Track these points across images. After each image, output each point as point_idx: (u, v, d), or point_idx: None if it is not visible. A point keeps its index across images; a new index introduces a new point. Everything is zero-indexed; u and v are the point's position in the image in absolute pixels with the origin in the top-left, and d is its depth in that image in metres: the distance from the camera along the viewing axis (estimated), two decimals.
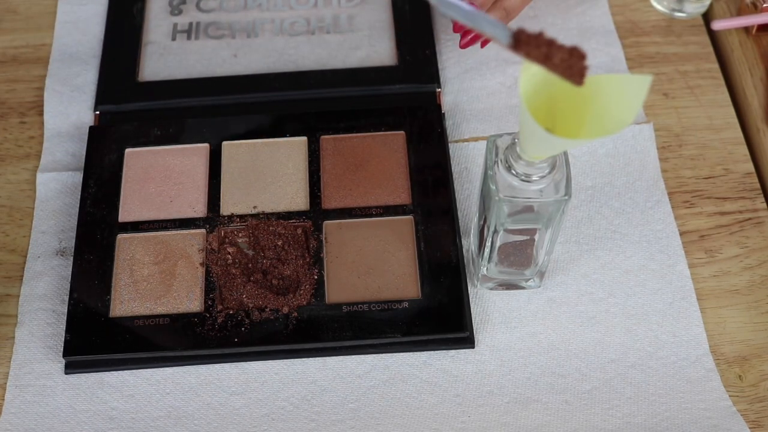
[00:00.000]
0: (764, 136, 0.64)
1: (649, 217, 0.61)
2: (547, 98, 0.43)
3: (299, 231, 0.59)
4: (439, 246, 0.58)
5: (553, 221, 0.51)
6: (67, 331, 0.55)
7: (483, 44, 0.63)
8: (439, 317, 0.55)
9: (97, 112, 0.65)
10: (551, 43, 0.40)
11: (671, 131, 0.65)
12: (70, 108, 0.66)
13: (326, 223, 0.59)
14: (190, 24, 0.70)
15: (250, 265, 0.58)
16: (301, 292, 0.56)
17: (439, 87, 0.65)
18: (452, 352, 0.56)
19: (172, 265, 0.58)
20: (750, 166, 0.64)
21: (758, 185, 0.63)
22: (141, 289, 0.57)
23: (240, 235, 0.59)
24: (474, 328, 0.57)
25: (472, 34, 0.62)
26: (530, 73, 0.42)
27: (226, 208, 0.60)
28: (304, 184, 0.61)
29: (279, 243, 0.58)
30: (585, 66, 0.40)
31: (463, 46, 0.63)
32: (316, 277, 0.57)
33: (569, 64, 0.40)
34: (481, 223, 0.55)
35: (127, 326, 0.56)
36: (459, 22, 0.46)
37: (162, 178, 0.61)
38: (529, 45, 0.41)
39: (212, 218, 0.59)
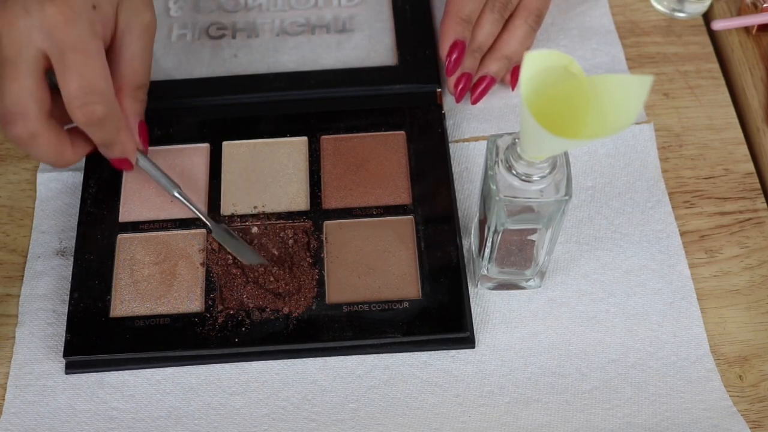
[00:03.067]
0: (764, 136, 0.64)
1: (649, 217, 0.61)
2: (548, 98, 0.43)
3: (300, 231, 0.59)
4: (439, 246, 0.58)
5: (554, 221, 0.51)
6: (67, 331, 0.55)
7: (474, 101, 0.64)
8: (439, 317, 0.55)
9: None
10: None
11: (671, 131, 0.65)
12: None
13: (327, 223, 0.59)
14: (191, 24, 0.70)
15: (250, 265, 0.58)
16: (302, 292, 0.56)
17: (440, 87, 0.65)
18: (452, 352, 0.56)
19: (173, 265, 0.58)
20: (750, 166, 0.64)
21: (758, 185, 0.63)
22: (141, 289, 0.57)
23: (240, 235, 0.59)
24: (474, 328, 0.57)
25: (462, 85, 0.63)
26: (531, 72, 0.42)
27: (227, 208, 0.60)
28: (305, 184, 0.61)
29: (279, 243, 0.58)
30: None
31: (458, 100, 0.65)
32: (316, 277, 0.57)
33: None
34: (482, 223, 0.55)
35: (127, 326, 0.56)
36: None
37: None
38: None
39: (213, 218, 0.59)
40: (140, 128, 0.58)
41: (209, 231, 0.58)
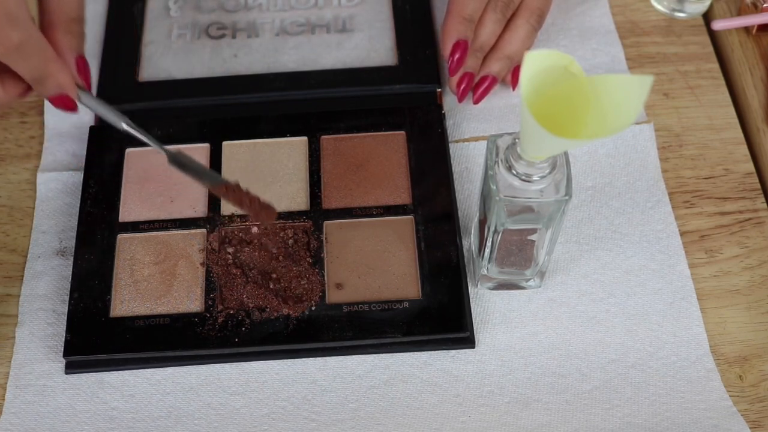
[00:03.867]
0: (764, 136, 0.64)
1: (649, 217, 0.61)
2: (548, 98, 0.43)
3: (300, 231, 0.59)
4: (439, 246, 0.58)
5: (554, 221, 0.51)
6: (67, 331, 0.55)
7: (476, 101, 0.64)
8: (439, 317, 0.55)
9: None
10: (248, 196, 0.54)
11: (671, 131, 0.65)
12: None
13: (327, 223, 0.59)
14: (191, 24, 0.70)
15: (250, 264, 0.58)
16: (302, 291, 0.56)
17: (440, 87, 0.65)
18: (452, 352, 0.56)
19: (173, 265, 0.58)
20: (750, 166, 0.64)
21: (758, 185, 0.63)
22: (141, 289, 0.57)
23: (240, 235, 0.59)
24: (474, 328, 0.57)
25: (464, 85, 0.63)
26: (531, 72, 0.42)
27: (227, 207, 0.60)
28: (305, 184, 0.61)
29: (279, 243, 0.58)
30: (272, 216, 0.54)
31: (461, 100, 0.64)
32: (316, 277, 0.57)
33: (257, 212, 0.54)
34: (482, 223, 0.55)
35: (127, 326, 0.56)
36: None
37: (162, 178, 0.61)
38: (229, 193, 0.54)
39: (213, 218, 0.59)
40: (78, 64, 0.54)
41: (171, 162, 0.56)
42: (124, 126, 0.55)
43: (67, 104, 0.54)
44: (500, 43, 0.64)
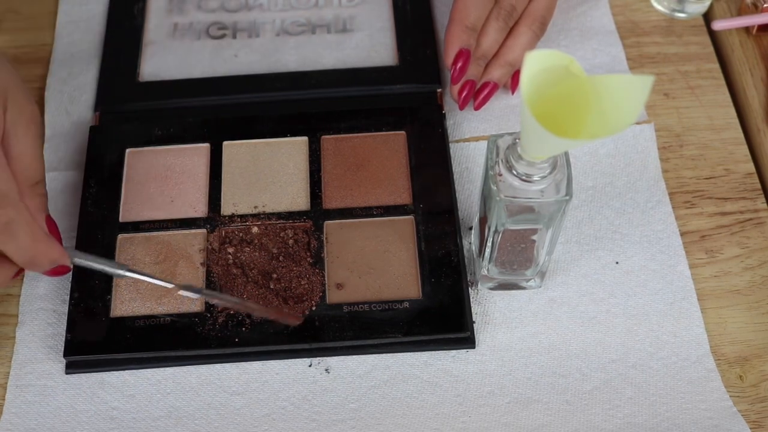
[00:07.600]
0: (765, 136, 0.64)
1: (649, 218, 0.61)
2: (549, 98, 0.43)
3: (300, 231, 0.59)
4: (439, 246, 0.58)
5: (554, 221, 0.51)
6: (67, 330, 0.55)
7: (477, 107, 0.64)
8: (439, 317, 0.55)
9: (98, 112, 0.65)
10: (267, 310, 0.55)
11: (672, 131, 0.65)
12: (71, 108, 0.66)
13: (327, 223, 0.59)
14: (191, 24, 0.70)
15: (251, 264, 0.58)
16: (303, 292, 0.56)
17: (440, 87, 0.65)
18: (453, 352, 0.56)
19: (173, 265, 0.58)
20: (751, 167, 0.64)
21: (759, 185, 0.63)
22: (142, 289, 0.57)
23: (241, 235, 0.59)
24: (475, 328, 0.57)
25: (465, 92, 0.63)
26: (532, 72, 0.42)
27: (227, 208, 0.60)
28: (305, 184, 0.61)
29: (280, 243, 0.58)
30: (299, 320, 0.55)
31: (462, 107, 0.64)
32: (317, 277, 0.57)
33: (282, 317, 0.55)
34: (482, 223, 0.55)
35: (127, 326, 0.56)
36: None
37: (163, 178, 0.61)
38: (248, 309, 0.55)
39: (213, 218, 0.59)
40: (48, 223, 0.52)
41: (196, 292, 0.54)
42: (128, 274, 0.52)
43: (62, 271, 0.52)
44: (502, 50, 0.63)
